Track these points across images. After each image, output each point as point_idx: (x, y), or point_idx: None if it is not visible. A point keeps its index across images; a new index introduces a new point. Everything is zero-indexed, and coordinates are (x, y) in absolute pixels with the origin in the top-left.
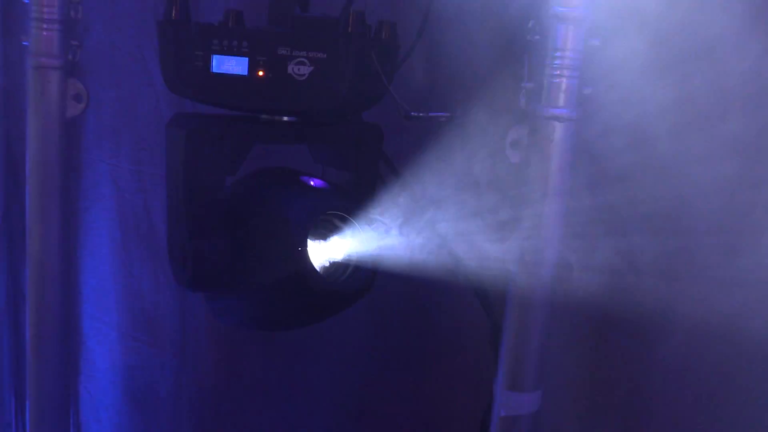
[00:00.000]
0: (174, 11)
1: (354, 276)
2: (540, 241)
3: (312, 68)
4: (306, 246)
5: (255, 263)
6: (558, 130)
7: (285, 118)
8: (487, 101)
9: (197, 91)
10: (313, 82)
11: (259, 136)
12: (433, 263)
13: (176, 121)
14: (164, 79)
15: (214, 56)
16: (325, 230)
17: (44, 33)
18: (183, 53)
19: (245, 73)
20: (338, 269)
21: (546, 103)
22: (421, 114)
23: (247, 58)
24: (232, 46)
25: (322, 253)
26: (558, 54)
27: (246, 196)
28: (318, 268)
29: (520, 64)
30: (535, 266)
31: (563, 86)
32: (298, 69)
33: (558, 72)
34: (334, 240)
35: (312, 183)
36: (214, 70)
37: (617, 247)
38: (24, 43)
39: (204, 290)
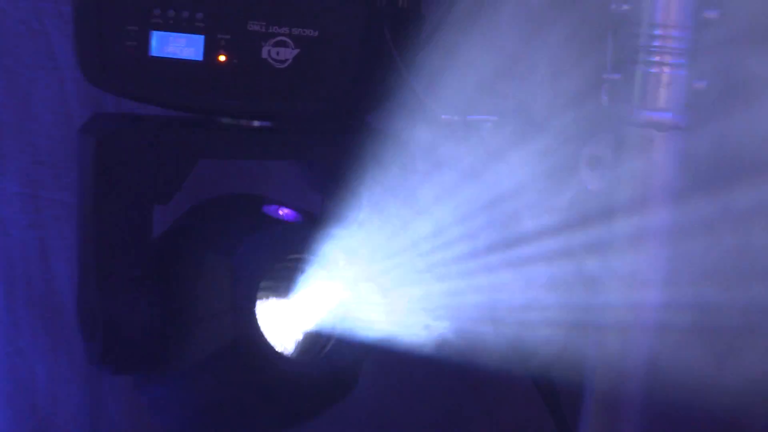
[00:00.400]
0: None
1: (334, 357)
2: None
3: (297, 51)
4: (254, 307)
5: (190, 334)
6: (658, 143)
7: (255, 123)
8: (551, 99)
9: (128, 82)
10: (298, 71)
11: (212, 149)
12: (466, 338)
13: (93, 124)
14: (79, 64)
15: (155, 33)
16: (291, 283)
17: None
18: (109, 27)
19: (199, 57)
20: (313, 346)
21: (640, 104)
22: (456, 117)
23: (202, 37)
24: (182, 18)
25: (288, 319)
26: (658, 32)
27: (182, 235)
28: (284, 345)
29: (601, 45)
30: (626, 349)
31: (665, 79)
32: (278, 52)
33: (658, 58)
34: (305, 298)
35: (281, 214)
36: (154, 52)
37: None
38: None
39: (125, 372)
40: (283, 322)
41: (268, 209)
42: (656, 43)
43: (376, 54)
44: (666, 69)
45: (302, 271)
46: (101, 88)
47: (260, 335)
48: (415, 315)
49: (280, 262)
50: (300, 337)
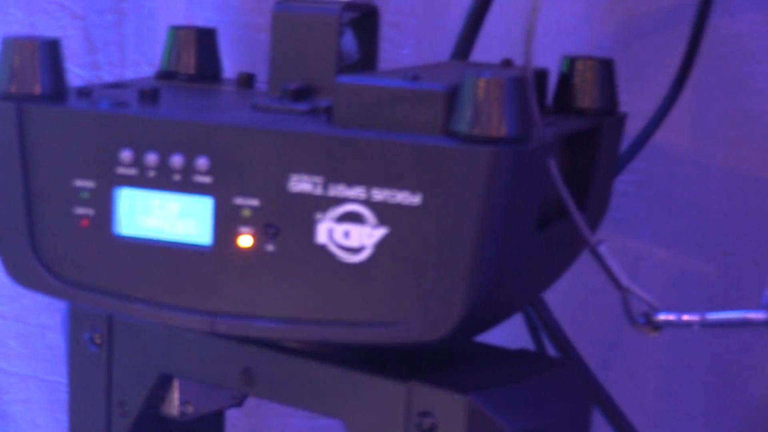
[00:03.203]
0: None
1: None
2: None
3: (386, 232)
4: None
5: None
6: None
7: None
8: None
9: (75, 281)
10: (384, 269)
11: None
12: None
13: None
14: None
15: (122, 190)
16: None
17: None
18: (42, 184)
19: (207, 240)
20: None
21: None
22: (685, 317)
23: (211, 200)
24: (172, 168)
25: None
26: None
27: None
28: None
29: None
30: None
31: None
32: (347, 237)
33: None
34: None
35: None
36: (122, 231)
37: None
38: None
39: None
40: None
41: None
42: None
43: (526, 227)
44: None
45: None
46: (30, 287)
47: None
48: None
49: None
50: None
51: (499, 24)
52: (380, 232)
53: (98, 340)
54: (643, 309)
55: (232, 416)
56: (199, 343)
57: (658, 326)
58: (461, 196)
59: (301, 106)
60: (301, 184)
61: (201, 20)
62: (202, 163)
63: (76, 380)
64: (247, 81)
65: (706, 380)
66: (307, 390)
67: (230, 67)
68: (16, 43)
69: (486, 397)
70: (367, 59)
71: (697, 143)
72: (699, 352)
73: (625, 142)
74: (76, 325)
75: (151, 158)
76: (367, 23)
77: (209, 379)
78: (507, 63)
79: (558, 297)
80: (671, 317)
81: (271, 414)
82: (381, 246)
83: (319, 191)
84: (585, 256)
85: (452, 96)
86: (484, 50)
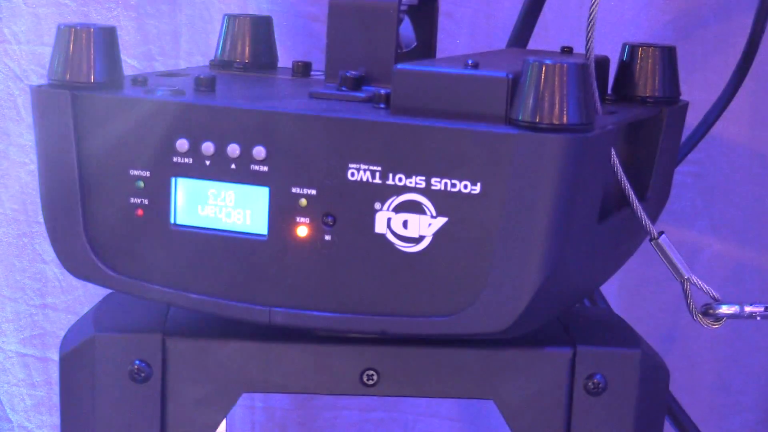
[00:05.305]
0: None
1: None
2: None
3: (446, 222)
4: None
5: None
6: None
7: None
8: None
9: (133, 272)
10: (443, 260)
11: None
12: None
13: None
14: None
15: (178, 179)
16: None
17: None
18: (92, 172)
19: (263, 231)
20: None
21: None
22: (747, 309)
23: (268, 188)
24: (226, 156)
25: None
26: None
27: None
28: None
29: None
30: None
31: None
32: (406, 226)
33: None
34: None
35: None
36: (177, 221)
37: None
38: None
39: None
40: None
41: None
42: None
43: (588, 216)
44: None
45: None
46: (83, 278)
47: None
48: None
49: None
50: None
51: (553, 13)
52: (440, 221)
53: (143, 373)
54: (701, 301)
55: (282, 410)
56: (297, 354)
57: (720, 317)
58: (523, 185)
59: (359, 94)
60: (360, 173)
61: (254, 10)
62: (258, 151)
63: (106, 423)
64: (303, 69)
65: (763, 374)
66: (446, 378)
67: (282, 57)
68: (70, 30)
69: (648, 349)
70: (424, 47)
71: (757, 134)
72: (757, 346)
73: (684, 133)
74: (105, 357)
75: (207, 147)
76: (425, 10)
77: (316, 389)
78: (567, 51)
79: (613, 288)
80: (734, 309)
81: (322, 407)
82: (440, 236)
83: (377, 180)
84: (641, 248)
85: (514, 83)
86: (539, 39)
